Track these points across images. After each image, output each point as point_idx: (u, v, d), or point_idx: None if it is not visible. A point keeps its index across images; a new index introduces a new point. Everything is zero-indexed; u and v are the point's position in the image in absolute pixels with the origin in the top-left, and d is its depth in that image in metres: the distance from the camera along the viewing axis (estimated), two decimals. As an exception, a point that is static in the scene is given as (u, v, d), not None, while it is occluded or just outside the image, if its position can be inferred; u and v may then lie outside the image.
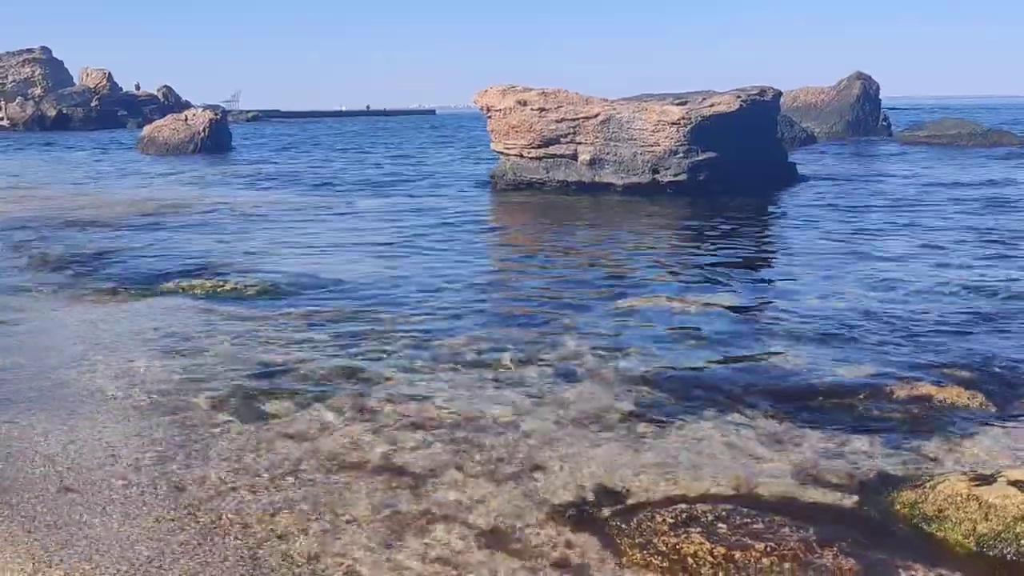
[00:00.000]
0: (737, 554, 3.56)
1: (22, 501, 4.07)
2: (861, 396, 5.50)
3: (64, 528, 3.82)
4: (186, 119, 33.26)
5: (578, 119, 17.26)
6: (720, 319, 7.46)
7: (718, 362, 6.24)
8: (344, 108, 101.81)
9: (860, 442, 4.78)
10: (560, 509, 4.01)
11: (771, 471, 4.41)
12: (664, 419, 5.14)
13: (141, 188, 19.97)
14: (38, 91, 63.94)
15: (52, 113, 59.57)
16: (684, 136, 16.53)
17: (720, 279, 9.13)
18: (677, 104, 16.88)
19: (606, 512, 3.99)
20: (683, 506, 4.00)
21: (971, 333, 6.91)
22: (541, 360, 6.25)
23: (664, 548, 3.63)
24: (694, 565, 3.52)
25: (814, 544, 3.65)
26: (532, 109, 17.61)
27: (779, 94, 18.55)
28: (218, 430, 4.97)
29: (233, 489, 4.20)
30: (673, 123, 16.53)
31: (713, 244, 11.43)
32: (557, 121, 17.37)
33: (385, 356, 6.38)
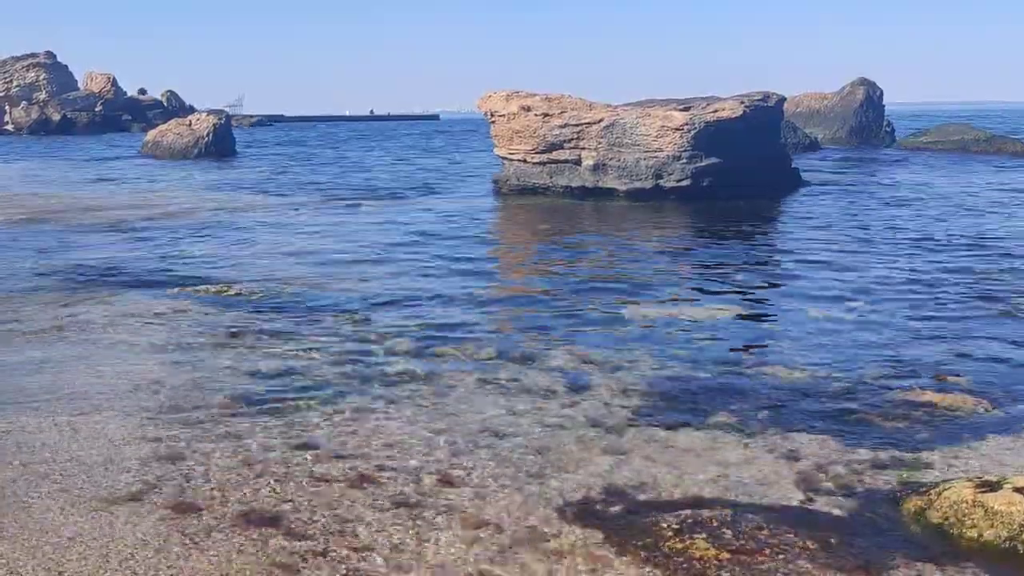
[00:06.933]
0: (742, 558, 3.56)
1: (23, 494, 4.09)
2: (865, 402, 5.50)
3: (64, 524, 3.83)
4: (190, 124, 33.33)
5: (581, 124, 17.27)
6: (723, 325, 7.47)
7: (721, 368, 6.24)
8: (348, 113, 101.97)
9: (864, 448, 4.78)
10: (568, 510, 4.01)
11: (775, 476, 4.41)
12: (668, 423, 5.14)
13: (144, 192, 19.99)
14: (43, 96, 63.96)
15: (56, 118, 59.65)
16: (687, 142, 16.54)
17: (723, 285, 9.13)
18: (680, 110, 16.89)
19: (612, 514, 3.99)
20: (688, 511, 4.01)
21: (975, 338, 6.90)
22: (546, 365, 6.26)
23: (669, 552, 3.64)
24: (699, 568, 3.52)
25: (818, 550, 3.65)
26: (535, 114, 17.63)
27: (783, 100, 18.54)
28: (223, 433, 4.98)
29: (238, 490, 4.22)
30: (676, 129, 16.54)
31: (716, 250, 11.43)
32: (560, 126, 17.39)
33: (390, 360, 6.39)
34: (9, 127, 59.73)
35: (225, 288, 8.85)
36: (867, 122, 34.32)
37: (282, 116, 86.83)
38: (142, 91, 69.36)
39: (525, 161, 18.01)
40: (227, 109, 51.13)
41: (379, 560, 3.60)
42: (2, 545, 3.71)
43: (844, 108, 34.66)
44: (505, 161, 18.63)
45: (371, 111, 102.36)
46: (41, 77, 65.90)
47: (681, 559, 3.59)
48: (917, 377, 5.96)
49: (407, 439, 4.90)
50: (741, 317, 7.76)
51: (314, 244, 12.08)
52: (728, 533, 3.79)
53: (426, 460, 4.61)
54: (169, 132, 33.29)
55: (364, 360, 6.39)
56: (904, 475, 4.42)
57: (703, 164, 16.60)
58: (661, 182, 16.76)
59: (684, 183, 16.60)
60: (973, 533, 3.74)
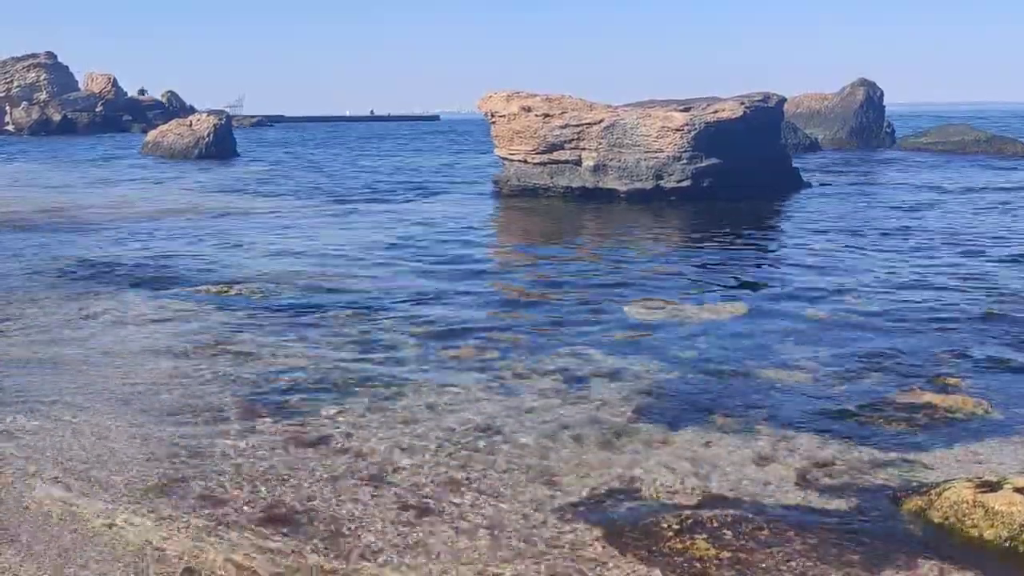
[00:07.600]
0: (742, 558, 3.56)
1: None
2: (865, 403, 5.50)
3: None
4: (191, 124, 33.36)
5: (582, 125, 17.28)
6: (722, 325, 7.47)
7: (721, 368, 6.24)
8: (349, 113, 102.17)
9: (865, 448, 4.78)
10: (569, 510, 4.02)
11: (775, 476, 4.42)
12: (668, 423, 5.15)
13: (144, 192, 19.99)
14: (43, 96, 63.97)
15: (57, 118, 59.69)
16: (688, 142, 16.54)
17: (723, 286, 9.14)
18: (681, 110, 16.90)
19: (613, 514, 4.00)
20: (688, 511, 4.01)
21: (975, 340, 6.91)
22: (547, 366, 6.27)
23: (670, 551, 3.64)
24: (700, 568, 3.53)
25: (818, 549, 3.66)
26: (536, 115, 17.64)
27: (783, 100, 18.55)
28: (226, 433, 4.98)
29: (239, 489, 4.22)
30: (677, 129, 16.55)
31: (716, 250, 11.44)
32: (561, 127, 17.40)
33: (392, 361, 6.40)
34: (10, 127, 59.78)
35: (226, 288, 8.86)
36: (867, 123, 34.31)
37: (282, 116, 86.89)
38: (142, 91, 69.45)
39: (525, 162, 18.02)
40: (227, 109, 51.19)
41: (383, 560, 3.61)
42: (3, 548, 3.71)
43: (844, 109, 34.65)
44: (505, 162, 18.63)
45: (371, 111, 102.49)
46: (41, 77, 65.95)
47: (681, 559, 3.60)
48: (917, 378, 5.96)
49: (410, 439, 4.91)
50: (741, 317, 7.76)
51: (314, 245, 12.09)
52: (728, 533, 3.80)
53: (429, 460, 4.62)
54: (169, 132, 33.34)
55: (366, 360, 6.40)
56: (904, 475, 4.43)
57: (703, 165, 16.60)
58: (661, 183, 16.76)
59: (684, 184, 16.60)
60: (973, 533, 3.74)
